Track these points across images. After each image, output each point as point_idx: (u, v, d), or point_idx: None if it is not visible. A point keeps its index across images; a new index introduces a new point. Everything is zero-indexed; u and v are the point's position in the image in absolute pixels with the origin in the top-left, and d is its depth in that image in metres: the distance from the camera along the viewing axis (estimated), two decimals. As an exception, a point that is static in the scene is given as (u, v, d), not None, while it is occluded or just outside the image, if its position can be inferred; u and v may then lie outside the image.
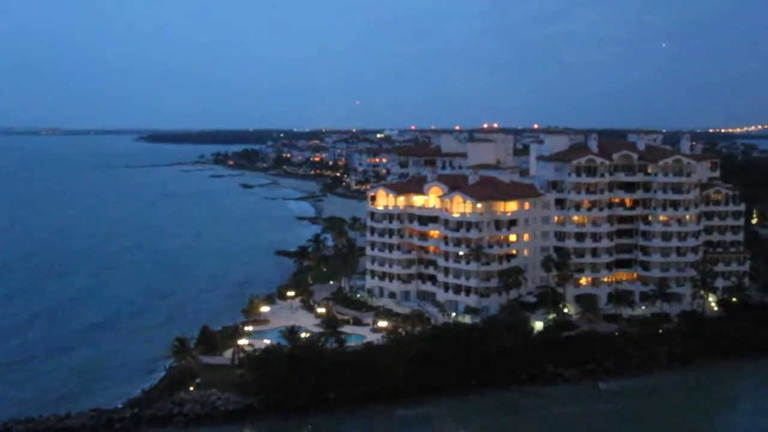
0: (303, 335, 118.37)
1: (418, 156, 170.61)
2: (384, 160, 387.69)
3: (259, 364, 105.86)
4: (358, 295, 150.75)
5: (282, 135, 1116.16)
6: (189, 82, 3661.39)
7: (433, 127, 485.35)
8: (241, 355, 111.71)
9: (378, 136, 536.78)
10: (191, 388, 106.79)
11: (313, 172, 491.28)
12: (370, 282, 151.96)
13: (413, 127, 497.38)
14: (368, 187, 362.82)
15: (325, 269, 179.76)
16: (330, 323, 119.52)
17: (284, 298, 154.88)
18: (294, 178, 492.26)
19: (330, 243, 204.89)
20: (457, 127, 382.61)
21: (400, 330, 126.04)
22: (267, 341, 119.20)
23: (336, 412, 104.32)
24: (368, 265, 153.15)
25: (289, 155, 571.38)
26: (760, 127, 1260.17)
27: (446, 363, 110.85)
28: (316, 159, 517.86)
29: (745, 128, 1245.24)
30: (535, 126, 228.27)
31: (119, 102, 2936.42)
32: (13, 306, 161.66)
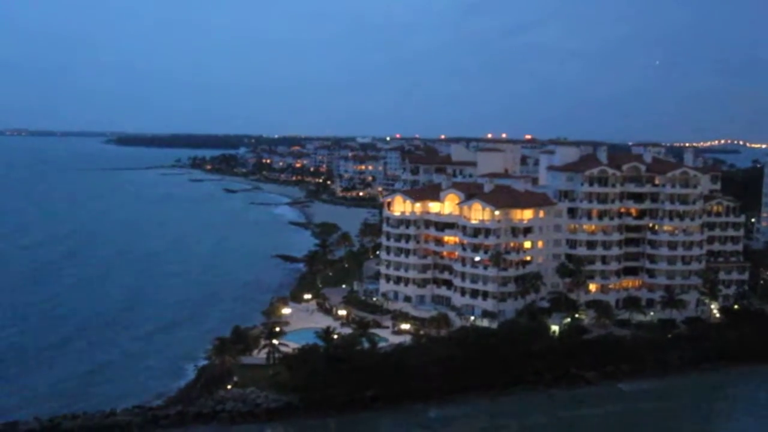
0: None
1: (429, 164, 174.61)
2: (370, 167, 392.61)
3: (299, 363, 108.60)
4: (375, 299, 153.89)
5: (253, 140, 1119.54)
6: (156, 84, 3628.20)
7: (417, 136, 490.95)
8: (277, 354, 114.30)
9: (360, 141, 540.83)
10: (229, 387, 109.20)
11: (294, 178, 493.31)
12: (385, 286, 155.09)
13: (398, 135, 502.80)
14: (354, 194, 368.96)
15: (331, 273, 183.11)
16: (361, 325, 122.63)
17: (298, 301, 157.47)
18: (275, 183, 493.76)
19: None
20: (443, 136, 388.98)
21: (421, 333, 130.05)
22: (291, 343, 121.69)
23: (372, 410, 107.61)
24: (383, 270, 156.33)
25: (269, 161, 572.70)
26: (723, 141, 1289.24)
27: (475, 364, 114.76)
28: (298, 165, 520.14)
29: (709, 143, 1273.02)
30: (503, 135, 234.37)
31: (84, 103, 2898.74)
32: (33, 308, 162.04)
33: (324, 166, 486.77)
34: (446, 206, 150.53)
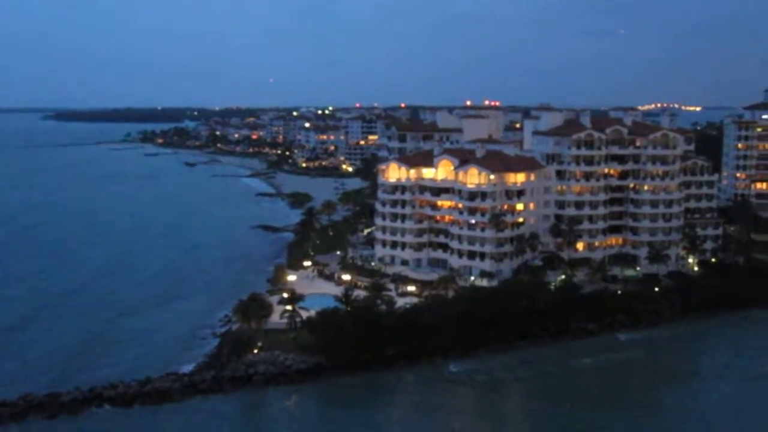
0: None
1: (417, 131, 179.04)
2: (332, 137, 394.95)
3: (324, 326, 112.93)
4: (372, 264, 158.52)
5: (196, 113, 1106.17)
6: (90, 59, 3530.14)
7: (376, 105, 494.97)
8: (298, 319, 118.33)
9: (320, 111, 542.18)
10: (255, 351, 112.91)
11: (252, 149, 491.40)
12: (381, 251, 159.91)
13: (358, 105, 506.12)
14: (317, 164, 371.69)
15: (318, 241, 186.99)
16: (376, 287, 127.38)
17: (296, 268, 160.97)
18: (232, 155, 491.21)
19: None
20: (403, 105, 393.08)
21: (425, 294, 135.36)
22: (307, 307, 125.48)
23: (395, 368, 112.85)
24: (379, 235, 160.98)
25: (223, 133, 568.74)
26: (659, 105, 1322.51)
27: (486, 320, 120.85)
28: (254, 137, 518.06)
29: (646, 106, 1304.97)
30: (486, 102, 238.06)
31: (13, 79, 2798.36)
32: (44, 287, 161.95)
33: (281, 137, 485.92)
34: (440, 172, 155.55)
